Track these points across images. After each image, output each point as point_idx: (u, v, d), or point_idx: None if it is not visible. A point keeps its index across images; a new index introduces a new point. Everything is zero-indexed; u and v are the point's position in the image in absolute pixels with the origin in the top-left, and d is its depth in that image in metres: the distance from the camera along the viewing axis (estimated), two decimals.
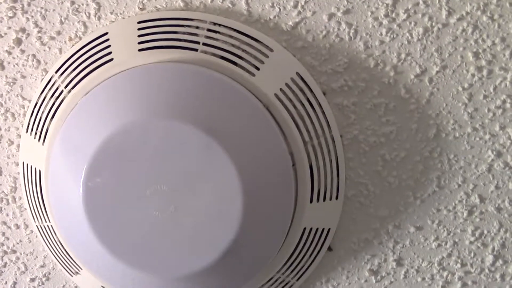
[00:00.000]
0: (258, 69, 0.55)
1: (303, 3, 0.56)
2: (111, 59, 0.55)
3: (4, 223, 0.64)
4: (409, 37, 0.56)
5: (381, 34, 0.56)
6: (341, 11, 0.56)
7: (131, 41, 0.55)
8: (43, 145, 0.57)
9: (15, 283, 0.65)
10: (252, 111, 0.53)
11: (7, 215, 0.63)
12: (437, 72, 0.57)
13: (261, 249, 0.54)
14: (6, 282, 0.65)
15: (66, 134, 0.54)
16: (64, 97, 0.56)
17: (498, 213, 0.61)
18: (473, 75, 0.57)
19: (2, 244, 0.64)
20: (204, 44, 0.55)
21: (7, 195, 0.63)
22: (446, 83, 0.57)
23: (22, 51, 0.59)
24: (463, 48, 0.56)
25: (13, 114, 0.61)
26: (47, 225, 0.60)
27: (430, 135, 0.59)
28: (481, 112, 0.58)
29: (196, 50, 0.54)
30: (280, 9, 0.56)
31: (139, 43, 0.55)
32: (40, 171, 0.57)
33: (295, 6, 0.56)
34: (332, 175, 0.58)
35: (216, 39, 0.55)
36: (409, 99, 0.58)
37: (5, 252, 0.64)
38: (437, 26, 0.56)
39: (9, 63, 0.60)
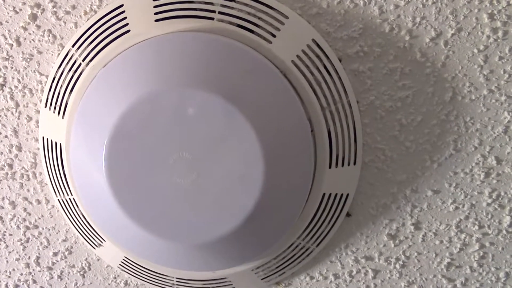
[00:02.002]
0: (274, 36, 0.55)
1: None
2: (128, 31, 0.55)
3: (26, 198, 0.64)
4: (424, 0, 0.56)
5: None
6: None
7: (147, 12, 0.55)
8: (62, 118, 0.58)
9: (38, 257, 0.66)
10: (270, 77, 0.53)
11: (28, 190, 0.64)
12: (452, 35, 0.57)
13: (283, 215, 0.55)
14: (29, 257, 0.66)
15: (86, 106, 0.54)
16: (83, 70, 0.56)
17: None
18: (488, 37, 0.57)
19: (24, 220, 0.65)
20: (220, 12, 0.55)
21: (27, 171, 0.63)
22: (461, 46, 0.57)
23: (38, 27, 0.59)
24: (478, 10, 0.56)
25: (30, 90, 0.61)
26: (69, 199, 0.60)
27: (446, 98, 0.59)
28: (497, 74, 0.58)
29: (212, 19, 0.55)
30: None
31: (155, 13, 0.55)
32: (60, 144, 0.58)
33: None
34: (349, 140, 0.58)
35: (232, 8, 0.55)
36: (425, 62, 0.58)
37: (27, 228, 0.65)
38: None
39: (25, 39, 0.60)
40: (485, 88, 0.58)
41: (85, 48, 0.57)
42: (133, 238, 0.54)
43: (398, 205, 0.63)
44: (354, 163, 0.59)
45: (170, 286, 0.64)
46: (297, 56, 0.55)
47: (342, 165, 0.58)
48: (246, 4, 0.56)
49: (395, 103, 0.59)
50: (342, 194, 0.60)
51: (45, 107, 0.60)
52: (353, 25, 0.57)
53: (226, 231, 0.53)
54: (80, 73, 0.57)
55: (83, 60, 0.57)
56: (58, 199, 0.62)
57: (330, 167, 0.57)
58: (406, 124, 0.60)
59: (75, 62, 0.57)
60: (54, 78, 0.59)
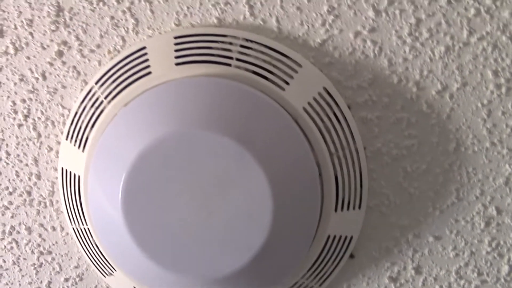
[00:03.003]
0: (287, 83, 0.58)
1: (330, 22, 0.59)
2: (149, 73, 0.58)
3: (41, 225, 0.67)
4: (431, 55, 0.59)
5: (404, 51, 0.59)
6: (367, 29, 0.59)
7: (168, 55, 0.58)
8: (83, 152, 0.60)
9: (50, 282, 0.69)
10: (282, 123, 0.56)
11: (44, 217, 0.67)
12: (458, 88, 0.60)
13: (289, 255, 0.57)
14: (41, 282, 0.69)
15: (106, 142, 0.57)
16: (104, 108, 0.59)
17: None
18: (492, 92, 0.59)
19: (39, 245, 0.68)
20: (237, 59, 0.58)
21: (45, 198, 0.66)
22: (466, 100, 0.60)
23: (63, 63, 0.63)
24: (483, 66, 0.59)
25: (53, 122, 0.64)
26: (84, 228, 0.63)
27: (450, 149, 0.61)
28: (499, 128, 0.60)
29: (229, 65, 0.58)
30: (308, 27, 0.59)
31: (176, 57, 0.58)
32: (79, 176, 0.61)
33: (323, 24, 0.59)
34: (355, 185, 0.61)
35: (249, 55, 0.58)
36: (431, 114, 0.61)
37: (41, 253, 0.68)
38: (458, 45, 0.58)
39: (50, 73, 0.63)
40: (487, 141, 0.61)
41: (108, 87, 0.60)
42: (143, 270, 0.57)
43: (400, 249, 0.65)
44: (359, 207, 0.61)
45: None
46: (309, 103, 0.58)
47: (348, 208, 0.60)
48: (262, 52, 0.59)
49: (401, 151, 0.62)
50: (346, 236, 0.62)
51: (66, 139, 0.62)
52: (363, 75, 0.60)
53: (233, 269, 0.55)
54: (102, 110, 0.60)
55: (105, 98, 0.60)
56: (73, 227, 0.65)
57: (336, 210, 0.59)
58: (410, 172, 0.62)
59: (97, 99, 0.60)
60: (76, 113, 0.62)
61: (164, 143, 0.54)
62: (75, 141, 0.61)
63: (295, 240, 0.57)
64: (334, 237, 0.61)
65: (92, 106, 0.61)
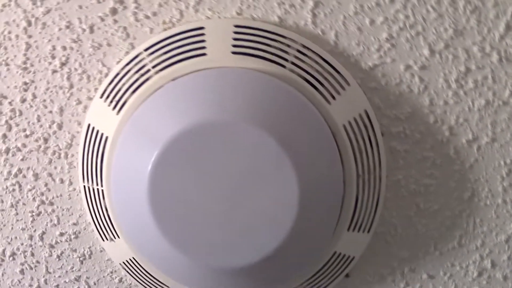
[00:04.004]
0: (334, 98, 0.59)
1: (385, 49, 0.61)
2: (204, 54, 0.58)
3: (50, 174, 0.66)
4: (471, 105, 0.61)
5: (447, 95, 0.61)
6: (418, 65, 0.61)
7: (225, 42, 0.58)
8: (117, 114, 0.60)
9: (43, 233, 0.68)
10: (323, 136, 0.57)
11: (55, 168, 0.66)
12: (487, 143, 0.62)
13: (298, 262, 0.58)
14: (35, 230, 0.67)
15: (146, 111, 0.57)
16: (150, 76, 0.59)
17: (504, 281, 0.66)
18: None
19: (42, 194, 0.66)
20: (292, 63, 0.59)
21: (60, 149, 0.65)
22: (491, 155, 0.63)
23: (115, 21, 0.62)
24: None
25: (89, 77, 0.63)
26: (97, 188, 0.62)
27: (465, 197, 0.64)
28: None
29: (284, 66, 0.58)
30: (364, 49, 0.61)
31: (233, 45, 0.58)
32: (107, 137, 0.60)
33: (378, 50, 0.61)
34: (371, 210, 0.62)
35: (304, 61, 0.59)
36: (456, 160, 0.63)
37: (43, 202, 0.67)
38: (498, 102, 0.61)
39: (99, 28, 0.62)
40: (500, 198, 0.64)
41: (158, 57, 0.60)
42: (157, 247, 0.57)
43: (393, 278, 0.67)
44: (368, 231, 0.63)
45: None
46: (349, 122, 0.59)
47: (359, 230, 0.62)
48: (316, 62, 0.60)
49: (419, 188, 0.64)
50: (349, 256, 0.63)
51: (101, 97, 0.62)
52: (403, 107, 0.62)
53: (242, 265, 0.56)
54: (147, 79, 0.59)
55: (153, 67, 0.59)
56: (84, 185, 0.64)
57: (348, 229, 0.61)
58: (422, 209, 0.64)
59: (144, 66, 0.60)
60: (117, 74, 0.61)
61: (204, 127, 0.54)
62: (111, 101, 0.61)
63: (308, 249, 0.58)
64: (339, 254, 0.62)
65: (137, 71, 0.60)
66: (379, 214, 0.63)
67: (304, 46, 0.60)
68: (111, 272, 0.68)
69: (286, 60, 0.59)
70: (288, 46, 0.59)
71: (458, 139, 0.63)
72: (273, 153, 0.54)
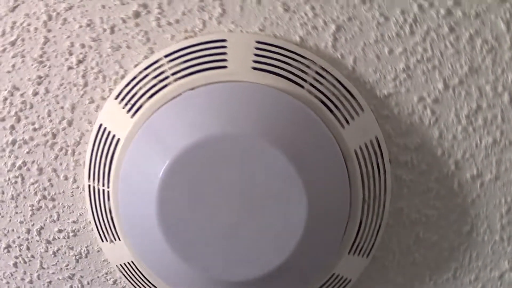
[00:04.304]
0: (348, 123, 0.60)
1: (401, 79, 0.62)
2: (225, 66, 0.58)
3: (55, 170, 0.65)
4: (478, 142, 0.63)
5: (456, 130, 0.63)
6: (431, 98, 0.62)
7: (246, 57, 0.59)
8: (131, 118, 0.60)
9: (42, 228, 0.67)
10: (335, 159, 0.57)
11: (61, 164, 0.65)
12: (490, 180, 0.64)
13: (298, 281, 0.59)
14: (33, 224, 0.67)
15: (161, 119, 0.57)
16: (168, 83, 0.59)
17: None
18: None
19: (44, 189, 0.66)
20: (310, 84, 0.59)
21: (68, 146, 0.65)
22: (493, 192, 0.64)
23: (137, 24, 0.62)
24: None
25: (104, 77, 0.63)
26: (103, 189, 0.62)
27: (464, 231, 0.65)
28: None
29: (302, 87, 0.59)
30: (380, 77, 0.62)
31: (254, 61, 0.59)
32: (119, 139, 0.60)
33: (394, 79, 0.62)
34: (372, 235, 0.63)
35: (322, 84, 0.60)
36: (459, 193, 0.64)
37: (44, 197, 0.66)
38: (505, 141, 0.62)
39: (120, 30, 0.62)
40: (498, 235, 0.65)
41: (178, 64, 0.60)
42: (161, 257, 0.57)
43: None
44: (367, 256, 0.64)
45: None
46: (360, 147, 0.60)
47: (359, 254, 0.63)
48: (334, 86, 0.61)
49: (420, 217, 0.65)
50: (346, 278, 0.64)
51: (115, 99, 0.62)
52: (413, 137, 0.63)
53: (243, 279, 0.56)
54: (165, 85, 0.59)
55: (172, 74, 0.60)
56: (89, 184, 0.63)
57: (349, 252, 0.62)
58: (422, 238, 0.65)
59: (163, 72, 0.60)
60: (135, 77, 0.61)
61: (219, 140, 0.55)
62: (126, 104, 0.61)
63: (310, 269, 0.58)
64: (337, 276, 0.63)
65: (155, 77, 0.60)
66: (380, 239, 0.64)
67: (322, 69, 0.60)
68: (106, 273, 0.68)
69: (305, 80, 0.59)
70: (308, 67, 0.60)
71: (463, 174, 0.64)
72: (285, 171, 0.55)
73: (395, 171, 0.64)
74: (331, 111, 0.59)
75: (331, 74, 0.61)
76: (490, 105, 0.62)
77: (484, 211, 0.65)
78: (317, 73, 0.60)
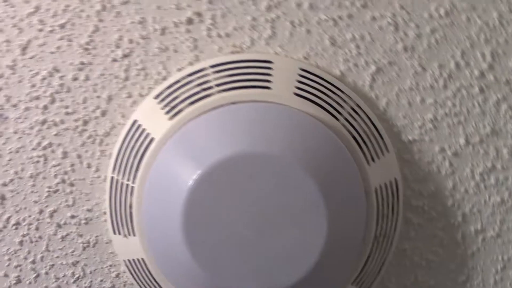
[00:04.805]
0: (374, 161, 0.63)
1: (427, 128, 0.65)
2: (269, 87, 0.61)
3: (79, 156, 0.66)
4: (487, 199, 0.66)
5: (469, 184, 0.66)
6: (451, 151, 0.65)
7: (290, 82, 0.61)
8: (169, 120, 0.61)
9: (55, 211, 0.67)
10: (358, 194, 0.60)
11: (86, 151, 0.66)
12: (491, 236, 0.67)
13: None
14: (47, 206, 0.67)
15: (200, 127, 0.59)
16: (212, 94, 0.61)
17: None
18: None
19: (65, 173, 0.66)
20: (345, 118, 0.62)
21: (97, 135, 0.66)
22: (492, 248, 0.68)
23: (188, 31, 0.64)
24: None
25: (146, 75, 0.64)
26: (127, 184, 0.63)
27: (459, 280, 0.68)
28: (504, 283, 0.68)
29: (338, 120, 0.61)
30: (408, 122, 0.65)
31: (296, 87, 0.61)
32: (153, 138, 0.61)
33: (420, 127, 0.65)
34: (375, 271, 0.66)
35: (355, 120, 0.63)
36: (460, 244, 0.68)
37: (63, 181, 0.67)
38: (511, 203, 0.66)
39: (170, 33, 0.64)
40: None
41: (223, 77, 0.62)
42: (177, 260, 0.58)
43: None
44: None
45: None
46: (380, 186, 0.63)
47: (360, 286, 0.65)
48: (366, 123, 0.63)
49: (421, 261, 0.68)
50: None
51: (155, 98, 0.63)
52: (428, 185, 0.66)
53: None
54: (208, 95, 0.61)
55: (217, 85, 0.61)
56: (113, 176, 0.64)
57: (352, 283, 0.64)
58: (419, 281, 0.68)
59: (207, 81, 0.62)
60: (178, 81, 0.63)
61: (254, 158, 0.56)
62: (166, 105, 0.62)
63: None
64: None
65: (199, 85, 0.62)
66: (380, 276, 0.67)
67: (357, 105, 0.63)
68: (110, 266, 0.68)
69: (340, 113, 0.62)
70: (345, 101, 0.63)
71: (468, 227, 0.67)
72: (311, 197, 0.57)
73: (406, 213, 0.67)
74: (360, 147, 0.62)
75: (364, 112, 0.63)
76: (504, 167, 0.66)
77: (481, 265, 0.68)
78: (352, 108, 0.63)
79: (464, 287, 0.69)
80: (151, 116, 0.63)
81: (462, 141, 0.65)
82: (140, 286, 0.66)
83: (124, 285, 0.69)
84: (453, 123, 0.65)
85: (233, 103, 0.60)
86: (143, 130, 0.62)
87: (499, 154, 0.65)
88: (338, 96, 0.63)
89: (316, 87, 0.62)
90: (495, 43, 0.63)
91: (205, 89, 0.62)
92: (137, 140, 0.63)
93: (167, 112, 0.62)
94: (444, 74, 0.64)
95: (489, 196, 0.66)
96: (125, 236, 0.65)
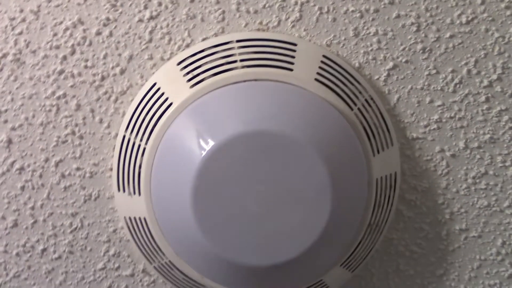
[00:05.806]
0: (378, 153, 0.65)
1: (431, 128, 0.68)
2: (291, 69, 0.62)
3: (92, 111, 0.66)
4: (475, 202, 0.71)
5: (460, 186, 0.70)
6: (450, 152, 0.69)
7: (311, 67, 0.63)
8: (190, 88, 0.62)
9: (61, 160, 0.68)
10: (361, 183, 0.63)
11: (100, 107, 0.66)
12: (473, 236, 0.72)
13: (304, 276, 0.64)
14: (53, 155, 0.67)
15: (220, 98, 0.60)
16: (235, 68, 0.62)
17: None
18: (491, 254, 0.72)
19: (76, 125, 0.67)
20: (358, 109, 0.64)
21: (113, 92, 0.66)
22: (472, 247, 0.72)
23: (217, 2, 0.64)
24: (499, 233, 0.71)
25: (170, 40, 0.65)
26: (139, 144, 0.64)
27: (437, 273, 0.73)
28: (477, 281, 0.73)
29: (352, 109, 0.64)
30: (414, 120, 0.68)
31: (317, 73, 0.63)
32: (171, 103, 0.62)
33: (425, 126, 0.68)
34: (362, 255, 0.69)
35: (367, 111, 0.65)
36: (444, 240, 0.72)
37: (73, 133, 0.67)
38: (496, 208, 0.71)
39: (200, 1, 0.64)
40: (463, 285, 0.73)
41: (247, 53, 0.63)
42: (182, 227, 0.60)
43: None
44: (352, 271, 0.70)
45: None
46: (381, 177, 0.66)
47: (347, 268, 0.69)
48: (376, 116, 0.66)
49: (405, 252, 0.72)
50: (328, 287, 0.70)
51: (177, 65, 0.64)
52: (423, 181, 0.70)
53: (275, 262, 0.60)
54: (232, 68, 0.62)
55: (241, 61, 0.62)
56: (125, 135, 0.65)
57: (341, 265, 0.68)
58: (401, 270, 0.73)
59: (232, 55, 0.63)
60: (203, 50, 0.63)
61: (269, 136, 0.58)
62: (188, 73, 0.63)
63: (313, 270, 0.64)
64: (323, 283, 0.69)
65: (223, 57, 0.63)
66: (367, 261, 0.71)
67: (371, 98, 0.66)
68: (109, 221, 0.70)
69: (355, 104, 0.64)
70: (360, 92, 0.65)
71: (453, 225, 0.71)
72: (320, 179, 0.59)
73: (399, 205, 0.70)
74: (368, 138, 0.65)
75: (377, 105, 0.66)
76: (496, 174, 0.70)
77: (460, 261, 0.73)
78: (366, 100, 0.65)
79: (441, 280, 0.73)
80: (172, 81, 0.63)
81: (461, 144, 0.68)
82: (136, 243, 0.68)
83: (120, 241, 0.70)
84: (456, 126, 0.68)
85: (256, 80, 0.62)
86: (162, 93, 0.63)
87: (493, 161, 0.69)
88: (355, 87, 0.65)
89: (336, 76, 0.64)
90: (507, 57, 0.66)
91: (229, 63, 0.63)
92: (155, 103, 0.63)
93: (189, 80, 0.63)
94: (456, 79, 0.67)
95: (477, 199, 0.70)
96: (129, 194, 0.66)
